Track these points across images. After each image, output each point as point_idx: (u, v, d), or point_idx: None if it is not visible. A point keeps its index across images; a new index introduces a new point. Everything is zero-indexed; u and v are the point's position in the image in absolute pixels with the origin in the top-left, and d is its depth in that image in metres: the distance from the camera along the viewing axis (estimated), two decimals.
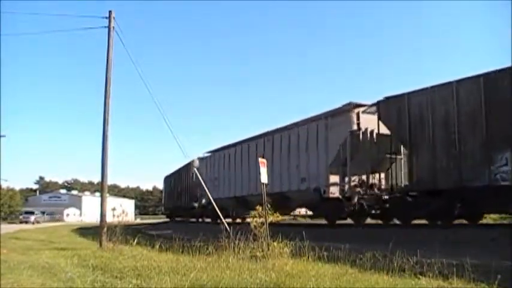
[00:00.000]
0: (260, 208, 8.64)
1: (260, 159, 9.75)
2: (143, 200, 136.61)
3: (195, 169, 44.25)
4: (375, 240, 10.25)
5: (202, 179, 27.46)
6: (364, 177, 16.74)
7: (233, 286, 5.40)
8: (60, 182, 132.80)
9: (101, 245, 12.02)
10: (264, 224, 8.52)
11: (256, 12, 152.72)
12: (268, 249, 8.07)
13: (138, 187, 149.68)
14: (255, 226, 8.46)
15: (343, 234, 12.92)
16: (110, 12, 13.43)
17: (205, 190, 27.13)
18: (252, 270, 6.40)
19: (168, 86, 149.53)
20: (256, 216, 8.63)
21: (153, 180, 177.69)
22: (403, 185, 15.52)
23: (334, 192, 16.66)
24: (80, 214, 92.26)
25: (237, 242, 8.28)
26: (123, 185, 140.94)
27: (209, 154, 29.73)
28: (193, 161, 30.69)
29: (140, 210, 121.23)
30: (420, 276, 5.52)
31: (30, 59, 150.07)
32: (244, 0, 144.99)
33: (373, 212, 16.42)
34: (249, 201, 20.96)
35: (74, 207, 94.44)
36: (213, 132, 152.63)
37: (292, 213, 27.25)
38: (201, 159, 30.11)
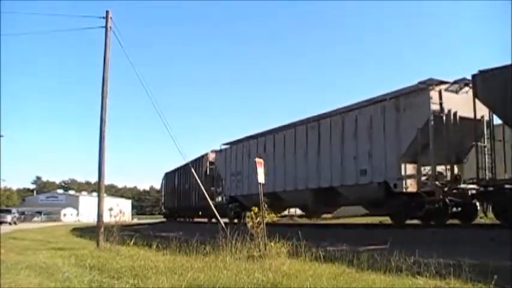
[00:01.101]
0: (256, 209, 8.62)
1: (257, 159, 9.70)
2: (140, 200, 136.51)
3: (193, 170, 42.71)
4: (373, 240, 10.27)
5: (218, 174, 26.03)
6: (442, 168, 14.10)
7: (230, 286, 5.39)
8: (58, 182, 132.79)
9: (98, 245, 12.00)
10: (260, 224, 8.51)
11: (255, 11, 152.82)
12: (266, 249, 8.07)
13: (135, 187, 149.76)
14: (252, 226, 8.45)
15: (340, 234, 12.92)
16: (107, 12, 13.40)
17: (221, 187, 25.67)
18: (249, 270, 6.39)
19: (167, 86, 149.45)
20: (252, 217, 8.61)
21: (150, 180, 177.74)
22: (499, 177, 12.87)
23: (410, 185, 13.99)
24: (77, 214, 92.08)
25: (234, 242, 8.28)
26: (120, 185, 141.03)
27: (227, 146, 25.68)
28: (206, 155, 28.55)
29: (137, 210, 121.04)
30: (417, 276, 5.53)
31: (28, 59, 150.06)
32: (245, 0, 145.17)
33: (454, 210, 14.20)
34: (282, 199, 19.41)
35: (71, 207, 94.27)
36: (214, 133, 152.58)
37: (288, 213, 26.29)
38: (218, 151, 26.47)
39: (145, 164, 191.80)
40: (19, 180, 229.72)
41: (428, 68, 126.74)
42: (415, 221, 15.44)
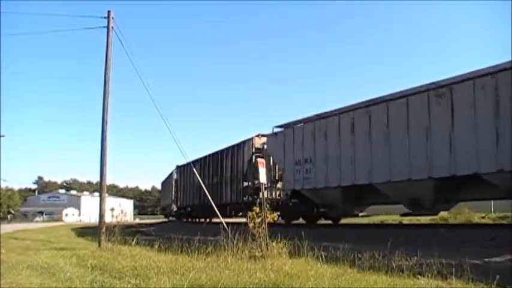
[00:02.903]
0: (258, 209, 8.61)
1: (259, 160, 9.70)
2: (142, 200, 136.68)
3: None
4: (374, 241, 10.25)
5: (272, 163, 20.08)
6: None
7: (232, 286, 5.39)
8: (59, 182, 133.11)
9: (99, 245, 12.01)
10: (262, 224, 8.51)
11: (256, 11, 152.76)
12: (267, 249, 8.07)
13: (136, 187, 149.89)
14: (253, 226, 8.45)
15: (341, 234, 12.90)
16: (109, 12, 13.43)
17: (274, 179, 19.95)
18: (251, 270, 6.39)
19: (168, 86, 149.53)
20: (254, 217, 8.60)
21: (152, 180, 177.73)
22: None
23: None
24: (79, 214, 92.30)
25: (235, 242, 8.28)
26: (121, 185, 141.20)
27: (282, 129, 19.67)
28: (251, 140, 22.28)
29: (139, 210, 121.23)
30: (419, 276, 5.53)
31: (30, 59, 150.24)
32: (245, 0, 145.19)
33: None
34: (381, 193, 14.67)
35: (73, 207, 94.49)
36: (214, 133, 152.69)
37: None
38: (271, 135, 20.42)
39: (147, 164, 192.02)
40: (21, 180, 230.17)
41: (428, 68, 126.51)
42: (415, 222, 15.47)
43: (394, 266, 6.10)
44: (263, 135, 21.79)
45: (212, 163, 27.96)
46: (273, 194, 20.76)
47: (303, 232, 8.45)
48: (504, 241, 8.87)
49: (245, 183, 22.58)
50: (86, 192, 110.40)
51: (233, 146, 24.66)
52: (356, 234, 13.62)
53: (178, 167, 36.57)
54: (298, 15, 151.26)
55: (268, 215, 8.77)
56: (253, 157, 20.99)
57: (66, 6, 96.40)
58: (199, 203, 29.33)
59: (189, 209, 32.97)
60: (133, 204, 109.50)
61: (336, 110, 16.62)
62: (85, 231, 24.02)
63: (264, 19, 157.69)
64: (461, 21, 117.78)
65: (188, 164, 29.37)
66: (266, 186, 18.41)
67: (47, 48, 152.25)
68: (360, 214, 18.60)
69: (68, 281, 6.04)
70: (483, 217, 21.45)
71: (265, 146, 21.25)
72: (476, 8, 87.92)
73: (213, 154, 28.28)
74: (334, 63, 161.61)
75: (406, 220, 18.68)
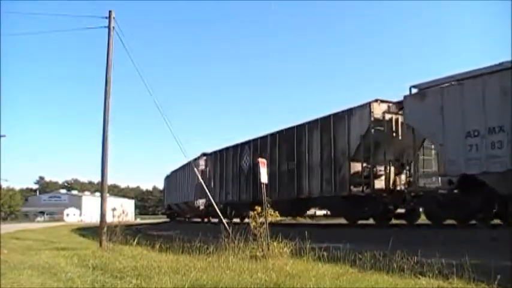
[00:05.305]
0: (259, 208, 8.60)
1: (260, 160, 9.71)
2: (143, 200, 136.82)
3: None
4: (374, 240, 10.25)
5: (417, 136, 14.26)
6: None
7: (233, 286, 5.39)
8: (60, 182, 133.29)
9: (100, 245, 12.01)
10: (263, 224, 8.51)
11: (257, 11, 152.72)
12: (268, 249, 8.07)
13: (138, 187, 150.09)
14: (254, 226, 8.45)
15: (342, 234, 12.91)
16: (110, 12, 13.43)
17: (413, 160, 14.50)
18: (252, 270, 6.39)
19: (169, 86, 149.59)
20: (255, 217, 8.60)
21: (153, 180, 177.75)
22: None
23: None
24: (80, 214, 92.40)
25: (236, 242, 8.28)
26: (123, 185, 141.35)
27: (433, 88, 13.46)
28: (369, 106, 15.63)
29: (140, 210, 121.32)
30: (420, 276, 5.52)
31: (30, 59, 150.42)
32: (245, 0, 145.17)
33: None
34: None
35: (74, 207, 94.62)
36: (213, 133, 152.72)
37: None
38: (412, 97, 14.08)
39: (148, 164, 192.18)
40: (22, 180, 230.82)
41: (426, 67, 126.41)
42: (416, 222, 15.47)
43: (395, 265, 6.10)
44: (384, 101, 15.88)
45: (279, 145, 20.75)
46: (397, 181, 15.66)
47: (301, 232, 8.45)
48: (505, 241, 8.86)
49: (355, 168, 16.25)
50: (87, 192, 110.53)
51: (326, 118, 17.81)
52: (357, 234, 13.62)
53: (209, 154, 29.38)
54: (298, 16, 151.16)
55: (269, 215, 8.76)
56: (372, 131, 15.49)
57: (67, 6, 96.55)
58: (246, 198, 22.35)
59: (222, 206, 23.89)
60: (135, 204, 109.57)
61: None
62: (86, 232, 24.02)
63: (264, 19, 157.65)
64: (461, 21, 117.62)
65: (233, 147, 24.54)
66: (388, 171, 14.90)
67: (48, 48, 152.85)
68: None
69: (69, 281, 6.05)
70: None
71: (404, 112, 14.70)
72: (476, 8, 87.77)
73: (281, 132, 20.92)
74: (334, 64, 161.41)
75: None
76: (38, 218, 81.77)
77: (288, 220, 23.76)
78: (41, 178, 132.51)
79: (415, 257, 6.29)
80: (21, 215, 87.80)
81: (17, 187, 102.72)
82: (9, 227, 31.85)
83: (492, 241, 9.50)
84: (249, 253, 8.00)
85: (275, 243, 8.16)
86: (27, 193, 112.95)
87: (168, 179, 43.56)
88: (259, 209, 8.53)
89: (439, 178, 14.00)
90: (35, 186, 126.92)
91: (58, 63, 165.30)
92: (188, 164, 29.06)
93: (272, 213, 8.80)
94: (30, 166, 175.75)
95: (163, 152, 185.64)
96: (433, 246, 7.35)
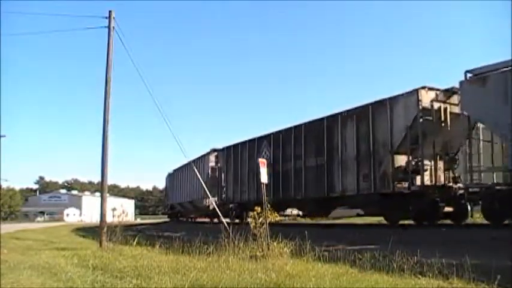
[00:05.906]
0: (259, 209, 8.61)
1: (260, 160, 9.71)
2: (143, 200, 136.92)
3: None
4: (374, 240, 10.25)
5: (471, 125, 13.04)
6: None
7: (233, 286, 5.39)
8: (60, 182, 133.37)
9: (101, 245, 12.01)
10: (263, 224, 8.51)
11: (256, 11, 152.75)
12: (268, 249, 8.07)
13: (138, 187, 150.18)
14: (254, 226, 8.45)
15: (342, 234, 12.91)
16: (110, 12, 13.41)
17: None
18: (252, 270, 6.39)
19: (169, 85, 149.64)
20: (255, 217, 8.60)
21: (153, 180, 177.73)
22: None
23: None
24: (80, 214, 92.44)
25: (236, 242, 8.28)
26: (123, 185, 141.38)
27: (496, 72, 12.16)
28: (416, 94, 14.13)
29: (140, 210, 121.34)
30: (420, 276, 5.52)
31: (30, 59, 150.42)
32: (245, 0, 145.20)
33: None
34: None
35: (74, 207, 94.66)
36: (214, 134, 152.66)
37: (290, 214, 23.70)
38: (468, 83, 12.88)
39: (148, 164, 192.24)
40: (22, 180, 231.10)
41: (427, 67, 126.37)
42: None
43: (395, 265, 6.10)
44: (431, 89, 14.35)
45: (305, 138, 18.90)
46: (441, 177, 14.44)
47: (302, 232, 8.45)
48: (505, 241, 8.87)
49: (398, 162, 14.62)
50: (87, 192, 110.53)
51: (364, 107, 16.16)
52: (356, 233, 13.62)
53: (220, 150, 27.05)
54: (297, 15, 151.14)
55: (269, 215, 8.77)
56: (421, 120, 13.95)
57: (67, 7, 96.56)
58: (283, 197, 19.47)
59: (232, 205, 24.19)
60: (135, 204, 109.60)
61: None
62: (86, 232, 24.00)
63: (264, 19, 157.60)
64: (461, 21, 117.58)
65: (249, 142, 22.34)
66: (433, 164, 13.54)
67: (48, 48, 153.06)
68: None
69: (69, 281, 6.04)
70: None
71: (459, 98, 13.57)
72: (476, 8, 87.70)
73: (307, 124, 19.15)
74: (335, 63, 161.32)
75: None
76: (38, 218, 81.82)
77: (288, 220, 23.83)
78: (41, 178, 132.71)
79: (415, 257, 6.30)
80: (21, 215, 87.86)
81: (17, 187, 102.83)
82: (9, 227, 31.84)
83: (492, 240, 9.51)
84: (249, 253, 8.00)
85: (275, 243, 8.16)
86: (27, 193, 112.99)
87: (170, 177, 41.77)
88: (258, 209, 8.53)
89: (493, 174, 12.88)
90: (35, 186, 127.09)
91: (58, 63, 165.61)
92: (194, 161, 27.44)
93: (271, 213, 8.80)
94: (30, 166, 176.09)
95: (163, 152, 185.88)
96: (432, 246, 7.34)
